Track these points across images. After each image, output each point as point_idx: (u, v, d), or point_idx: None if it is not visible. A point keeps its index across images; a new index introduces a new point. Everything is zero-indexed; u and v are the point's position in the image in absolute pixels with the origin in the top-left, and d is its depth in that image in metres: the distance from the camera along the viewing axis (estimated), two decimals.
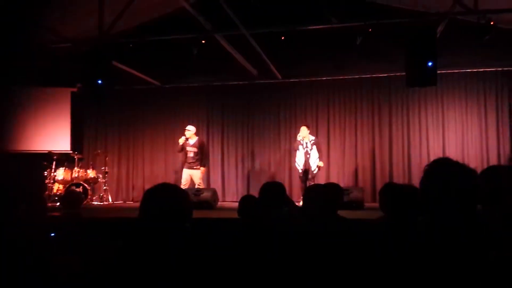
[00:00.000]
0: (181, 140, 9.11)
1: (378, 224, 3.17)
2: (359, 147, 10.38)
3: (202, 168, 9.23)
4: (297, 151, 8.94)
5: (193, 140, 9.21)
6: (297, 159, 8.96)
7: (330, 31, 8.34)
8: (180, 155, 9.76)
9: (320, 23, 7.94)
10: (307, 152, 8.84)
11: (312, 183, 8.28)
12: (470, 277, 1.60)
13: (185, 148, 9.15)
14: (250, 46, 8.79)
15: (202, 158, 9.20)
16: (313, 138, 9.07)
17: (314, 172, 8.88)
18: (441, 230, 1.68)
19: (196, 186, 9.01)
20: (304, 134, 8.91)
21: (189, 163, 9.14)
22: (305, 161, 8.82)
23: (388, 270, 1.97)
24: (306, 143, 8.89)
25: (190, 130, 9.20)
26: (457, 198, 1.69)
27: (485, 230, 1.74)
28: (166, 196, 1.90)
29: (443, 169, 1.76)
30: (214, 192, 8.81)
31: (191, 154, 9.12)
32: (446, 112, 9.99)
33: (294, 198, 8.31)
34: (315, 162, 8.86)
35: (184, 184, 9.08)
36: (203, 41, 8.14)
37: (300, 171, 8.90)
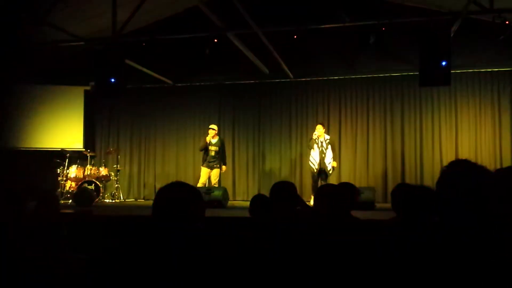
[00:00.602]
0: (208, 139, 9.16)
1: (391, 225, 3.14)
2: (371, 147, 10.32)
3: (224, 167, 9.34)
4: (312, 150, 8.86)
5: (215, 139, 9.25)
6: (311, 158, 8.87)
7: (343, 30, 8.29)
8: (199, 153, 9.80)
9: (333, 22, 7.89)
10: (322, 151, 8.76)
11: (324, 183, 8.24)
12: (482, 280, 1.58)
13: (207, 147, 9.19)
14: (262, 45, 8.78)
15: (222, 157, 9.26)
16: (328, 137, 8.96)
17: (330, 172, 8.79)
18: (456, 232, 1.66)
19: (213, 185, 9.06)
20: (319, 133, 8.82)
21: (210, 162, 9.18)
22: (320, 160, 8.76)
23: (401, 271, 1.94)
24: (322, 142, 8.79)
25: (215, 129, 9.25)
26: (474, 200, 1.66)
27: (499, 232, 1.71)
28: (180, 194, 1.90)
29: (462, 171, 1.73)
30: (225, 191, 8.81)
31: (212, 153, 9.17)
32: (459, 112, 9.89)
33: (305, 198, 8.28)
34: (329, 162, 8.76)
35: (203, 182, 9.14)
36: (215, 40, 8.15)
37: (316, 170, 8.82)
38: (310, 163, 8.92)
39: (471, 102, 9.84)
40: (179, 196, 1.88)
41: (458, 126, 9.86)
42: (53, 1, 7.72)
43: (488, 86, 9.77)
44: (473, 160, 1.78)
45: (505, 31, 7.24)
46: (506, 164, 9.34)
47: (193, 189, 1.96)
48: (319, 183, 8.65)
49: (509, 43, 8.48)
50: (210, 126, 9.29)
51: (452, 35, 7.37)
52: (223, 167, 9.39)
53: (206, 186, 9.09)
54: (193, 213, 1.88)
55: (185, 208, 1.86)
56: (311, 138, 8.89)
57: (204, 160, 9.30)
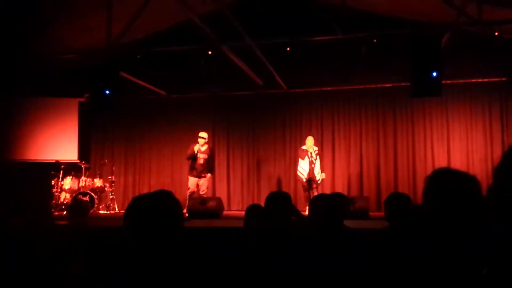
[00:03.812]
0: (196, 148, 9.04)
1: (384, 234, 3.19)
2: (364, 157, 10.40)
3: (209, 175, 9.23)
4: (302, 160, 9.00)
5: (205, 147, 9.18)
6: (300, 169, 9.02)
7: (335, 42, 8.41)
8: (187, 162, 9.71)
9: (325, 34, 8.01)
10: (312, 162, 8.93)
11: (317, 193, 8.33)
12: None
13: (196, 155, 9.08)
14: (256, 57, 8.87)
15: (210, 165, 9.18)
16: (317, 148, 9.19)
17: (318, 182, 8.98)
18: (444, 240, 1.69)
19: (201, 193, 9.02)
20: (311, 144, 9.03)
21: (199, 171, 9.07)
22: (310, 170, 8.90)
23: (395, 281, 1.99)
24: (311, 153, 8.98)
25: (204, 137, 9.16)
26: (460, 206, 1.69)
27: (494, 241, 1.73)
28: (149, 201, 1.81)
29: (444, 178, 1.77)
30: (219, 201, 8.84)
31: (201, 161, 9.06)
32: (451, 122, 10.01)
33: (299, 208, 8.33)
34: (318, 172, 8.97)
35: (191, 191, 9.07)
36: (210, 52, 8.22)
37: (304, 180, 8.95)
38: (298, 173, 9.06)
39: (462, 113, 9.97)
40: (149, 202, 1.80)
41: (450, 136, 9.98)
42: (48, 13, 7.78)
43: (478, 97, 9.90)
44: (465, 169, 1.82)
45: (495, 42, 7.36)
46: None
47: (159, 195, 1.85)
48: (311, 193, 8.77)
49: (499, 54, 8.64)
50: (200, 135, 9.17)
51: (442, 46, 7.49)
52: (208, 175, 9.26)
53: (195, 196, 9.07)
54: (165, 218, 1.77)
55: (154, 216, 1.75)
56: (303, 149, 9.02)
57: (192, 169, 9.15)
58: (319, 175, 8.97)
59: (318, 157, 9.05)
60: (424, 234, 1.76)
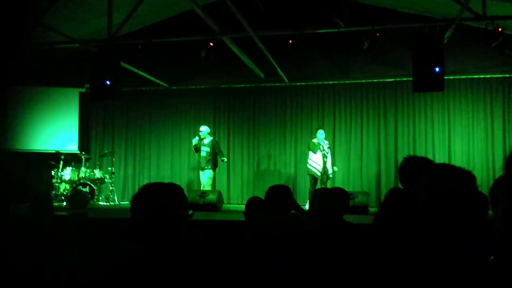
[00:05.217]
0: (195, 141, 9.18)
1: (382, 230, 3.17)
2: (365, 152, 10.38)
3: (210, 170, 9.23)
4: (314, 154, 8.91)
5: (208, 140, 9.25)
6: (313, 163, 8.91)
7: (337, 35, 8.36)
8: (194, 156, 9.90)
9: (327, 27, 7.96)
10: (324, 155, 8.88)
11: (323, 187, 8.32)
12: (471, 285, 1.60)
13: (199, 148, 9.18)
14: (257, 49, 8.83)
15: (214, 159, 9.19)
16: (327, 142, 9.13)
17: (330, 176, 8.97)
18: (437, 240, 1.68)
19: (201, 188, 9.02)
20: (322, 137, 8.97)
21: (200, 163, 9.21)
22: (323, 164, 8.86)
23: (396, 277, 1.97)
24: (323, 146, 8.92)
25: (203, 130, 9.24)
26: (454, 203, 1.67)
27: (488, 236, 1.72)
28: (157, 192, 1.81)
29: (439, 175, 1.75)
30: (219, 194, 8.83)
31: (203, 154, 9.14)
32: (452, 117, 9.97)
33: (299, 201, 8.32)
34: (330, 166, 8.96)
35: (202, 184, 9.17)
36: (211, 43, 8.17)
37: (319, 174, 8.89)
38: (310, 167, 8.94)
39: (464, 108, 9.93)
40: (156, 194, 1.80)
41: (451, 131, 9.95)
42: (49, 2, 7.73)
43: (480, 92, 9.86)
44: (465, 165, 1.79)
45: (498, 38, 7.31)
46: (498, 169, 9.43)
47: (171, 187, 1.86)
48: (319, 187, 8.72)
49: (502, 50, 8.58)
50: (200, 129, 9.32)
51: (445, 41, 7.45)
52: (224, 159, 9.42)
53: (195, 189, 9.10)
54: (172, 211, 1.78)
55: (163, 207, 1.77)
56: (316, 143, 8.94)
57: (197, 162, 9.27)
58: (331, 169, 8.96)
59: (329, 150, 9.01)
60: (418, 232, 1.74)
